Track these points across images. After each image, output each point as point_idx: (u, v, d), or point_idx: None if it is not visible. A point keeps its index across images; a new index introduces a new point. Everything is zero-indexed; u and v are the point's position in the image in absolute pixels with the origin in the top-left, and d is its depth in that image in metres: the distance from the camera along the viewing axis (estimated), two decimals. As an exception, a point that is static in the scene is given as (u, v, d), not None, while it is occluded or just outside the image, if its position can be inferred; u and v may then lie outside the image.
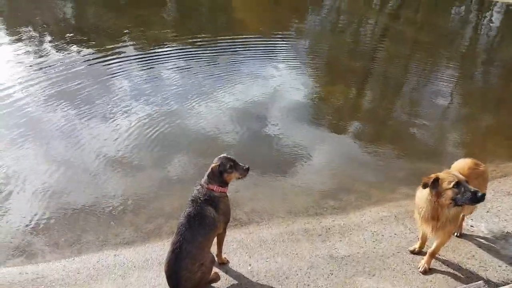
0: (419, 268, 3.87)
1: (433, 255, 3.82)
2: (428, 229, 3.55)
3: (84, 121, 6.59)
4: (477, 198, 3.18)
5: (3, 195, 4.92)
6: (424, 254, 3.97)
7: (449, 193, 3.27)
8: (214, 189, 3.49)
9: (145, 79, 8.31)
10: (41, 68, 8.41)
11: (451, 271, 3.85)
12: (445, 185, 3.28)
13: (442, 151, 6.52)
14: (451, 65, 10.15)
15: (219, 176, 3.50)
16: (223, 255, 3.88)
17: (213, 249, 3.63)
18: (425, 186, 3.39)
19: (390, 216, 4.72)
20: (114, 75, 8.36)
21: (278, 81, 8.60)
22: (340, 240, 4.31)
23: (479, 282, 2.93)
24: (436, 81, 9.09)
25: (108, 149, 5.89)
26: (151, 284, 3.63)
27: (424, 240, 4.04)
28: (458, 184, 3.24)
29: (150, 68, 8.89)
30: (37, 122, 6.50)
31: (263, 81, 8.58)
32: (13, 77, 7.92)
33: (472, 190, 3.19)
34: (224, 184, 3.56)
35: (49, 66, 8.56)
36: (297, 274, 3.80)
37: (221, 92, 7.91)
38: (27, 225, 4.52)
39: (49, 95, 7.35)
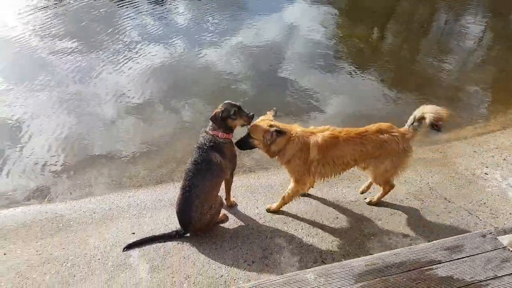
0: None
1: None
2: None
3: (96, 66, 6.68)
4: None
5: (21, 137, 5.19)
6: None
7: None
8: (219, 135, 3.51)
9: (155, 20, 8.20)
10: (53, 10, 8.43)
11: (460, 218, 3.83)
12: None
13: (463, 97, 6.26)
14: (480, 4, 9.41)
15: (222, 121, 3.50)
16: (232, 198, 4.01)
17: (222, 193, 3.75)
18: None
19: (402, 163, 4.67)
20: (124, 16, 8.29)
21: (294, 19, 8.25)
22: (348, 186, 4.34)
23: (485, 230, 2.90)
24: (464, 22, 8.51)
25: (121, 96, 6.02)
26: (163, 222, 3.82)
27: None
28: None
29: (161, 6, 8.72)
30: (49, 66, 6.66)
31: (278, 19, 8.27)
32: (21, 20, 8.04)
33: None
34: (229, 130, 3.56)
35: (60, 7, 8.56)
36: (304, 217, 3.89)
37: (232, 32, 7.73)
38: (45, 167, 4.78)
39: (61, 36, 7.46)
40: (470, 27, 8.29)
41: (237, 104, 3.55)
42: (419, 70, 7.00)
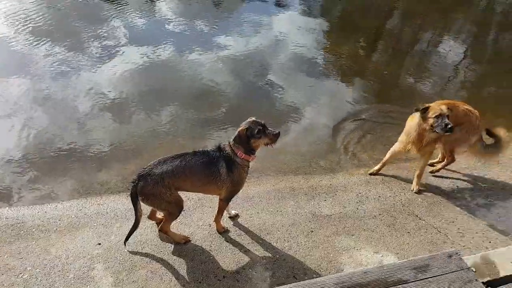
0: (412, 190, 4.52)
1: (419, 176, 4.53)
2: (414, 148, 4.31)
3: (76, 64, 6.53)
4: (446, 129, 3.89)
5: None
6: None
7: (430, 121, 4.00)
8: (238, 154, 3.34)
9: (142, 22, 8.15)
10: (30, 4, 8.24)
11: (429, 236, 3.87)
12: (430, 114, 3.99)
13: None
14: (465, 28, 9.72)
15: (246, 141, 3.31)
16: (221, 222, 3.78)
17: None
18: (417, 110, 4.13)
19: (377, 179, 4.73)
20: (109, 15, 8.19)
21: (281, 32, 8.31)
22: (325, 200, 4.33)
23: (452, 250, 2.93)
24: (448, 43, 8.73)
25: (98, 95, 5.86)
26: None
27: (383, 165, 4.76)
28: (439, 116, 3.94)
29: (148, 10, 8.69)
30: (25, 60, 6.51)
31: (265, 31, 8.31)
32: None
33: (445, 122, 3.90)
34: (251, 151, 3.37)
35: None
36: (279, 230, 3.84)
37: (218, 40, 7.72)
38: (9, 168, 4.56)
39: (38, 31, 7.30)
40: (452, 47, 8.52)
41: (262, 122, 3.37)
42: (402, 86, 7.13)
